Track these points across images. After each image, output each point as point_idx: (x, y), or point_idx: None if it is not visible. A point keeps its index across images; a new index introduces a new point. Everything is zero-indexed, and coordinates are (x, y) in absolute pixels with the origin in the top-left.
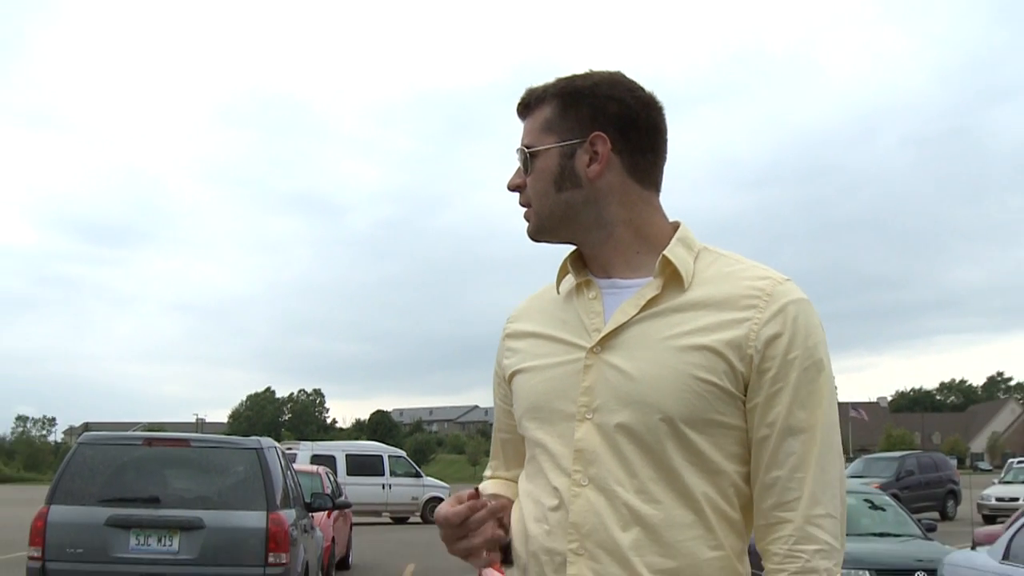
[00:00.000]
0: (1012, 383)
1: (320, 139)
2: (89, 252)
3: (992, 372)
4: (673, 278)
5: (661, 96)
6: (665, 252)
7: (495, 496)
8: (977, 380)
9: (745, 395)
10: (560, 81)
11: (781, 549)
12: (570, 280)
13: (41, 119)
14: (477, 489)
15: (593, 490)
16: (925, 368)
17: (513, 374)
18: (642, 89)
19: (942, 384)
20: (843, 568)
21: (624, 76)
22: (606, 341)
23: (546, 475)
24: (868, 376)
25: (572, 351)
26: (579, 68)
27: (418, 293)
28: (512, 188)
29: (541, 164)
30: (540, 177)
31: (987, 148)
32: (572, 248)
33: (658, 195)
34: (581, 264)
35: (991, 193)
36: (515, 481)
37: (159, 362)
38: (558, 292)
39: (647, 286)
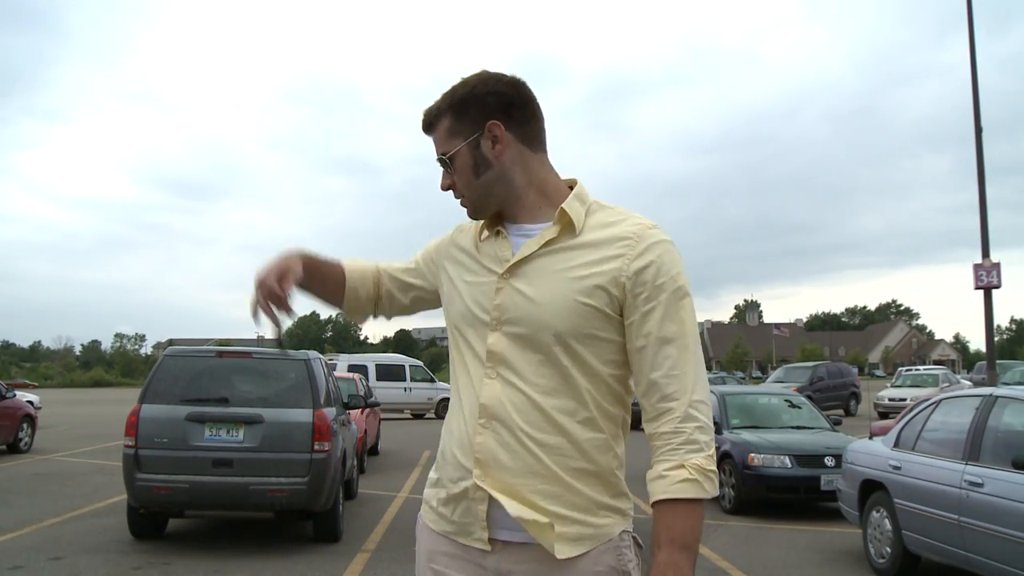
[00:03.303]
0: (901, 308)
1: (363, 114)
2: (177, 204)
3: (886, 299)
4: (568, 225)
5: (637, 80)
6: (563, 204)
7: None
8: (873, 305)
9: (622, 315)
10: (445, 97)
11: (668, 428)
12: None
13: (142, 98)
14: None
15: (499, 381)
16: (834, 296)
17: (447, 280)
18: (506, 75)
19: (847, 308)
20: (768, 454)
21: (488, 72)
22: (513, 270)
23: (467, 367)
24: (789, 302)
25: (488, 275)
26: (578, 64)
27: (436, 236)
28: (445, 188)
29: (459, 163)
30: (462, 172)
31: (889, 123)
32: None
33: (547, 155)
34: (497, 218)
35: (890, 158)
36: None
37: (230, 291)
38: (480, 240)
39: (547, 229)
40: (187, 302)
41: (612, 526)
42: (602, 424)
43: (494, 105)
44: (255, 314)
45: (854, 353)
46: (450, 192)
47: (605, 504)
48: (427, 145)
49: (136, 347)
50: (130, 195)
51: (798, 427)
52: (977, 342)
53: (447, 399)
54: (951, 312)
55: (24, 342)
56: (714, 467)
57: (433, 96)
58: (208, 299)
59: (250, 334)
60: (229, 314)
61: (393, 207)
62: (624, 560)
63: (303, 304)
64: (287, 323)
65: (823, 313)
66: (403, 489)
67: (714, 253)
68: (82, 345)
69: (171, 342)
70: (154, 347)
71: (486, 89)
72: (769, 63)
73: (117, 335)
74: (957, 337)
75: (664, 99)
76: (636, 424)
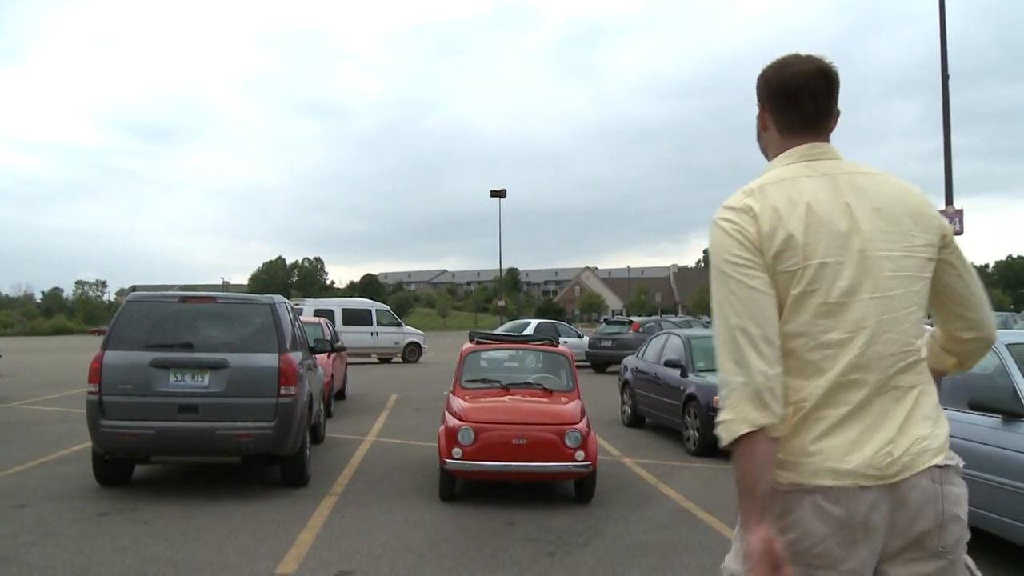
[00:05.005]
0: None
1: (334, 58)
2: (142, 148)
3: None
4: None
5: (611, 24)
6: None
7: None
8: None
9: None
10: None
11: None
12: None
13: (105, 39)
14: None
15: None
16: None
17: None
18: (792, 65)
19: None
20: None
21: (788, 56)
22: None
23: None
24: None
25: None
26: (552, 7)
27: (405, 181)
28: None
29: None
30: None
31: (862, 70)
32: None
33: (795, 140)
34: None
35: (862, 104)
36: None
37: (195, 236)
38: None
39: None
40: (151, 248)
41: None
42: None
43: (760, 90)
44: None
45: None
46: (425, 138)
47: None
48: (396, 91)
49: (98, 294)
50: (92, 139)
51: None
52: None
53: (414, 343)
54: None
55: None
56: (721, 418)
57: (409, 41)
58: (173, 245)
59: (215, 279)
60: (194, 259)
61: (362, 152)
62: None
63: (272, 250)
64: None
65: None
66: (370, 433)
67: (684, 198)
68: (43, 292)
69: (134, 288)
70: (117, 294)
71: (761, 76)
72: (745, 7)
73: (79, 282)
74: None
75: (638, 43)
76: (601, 368)
